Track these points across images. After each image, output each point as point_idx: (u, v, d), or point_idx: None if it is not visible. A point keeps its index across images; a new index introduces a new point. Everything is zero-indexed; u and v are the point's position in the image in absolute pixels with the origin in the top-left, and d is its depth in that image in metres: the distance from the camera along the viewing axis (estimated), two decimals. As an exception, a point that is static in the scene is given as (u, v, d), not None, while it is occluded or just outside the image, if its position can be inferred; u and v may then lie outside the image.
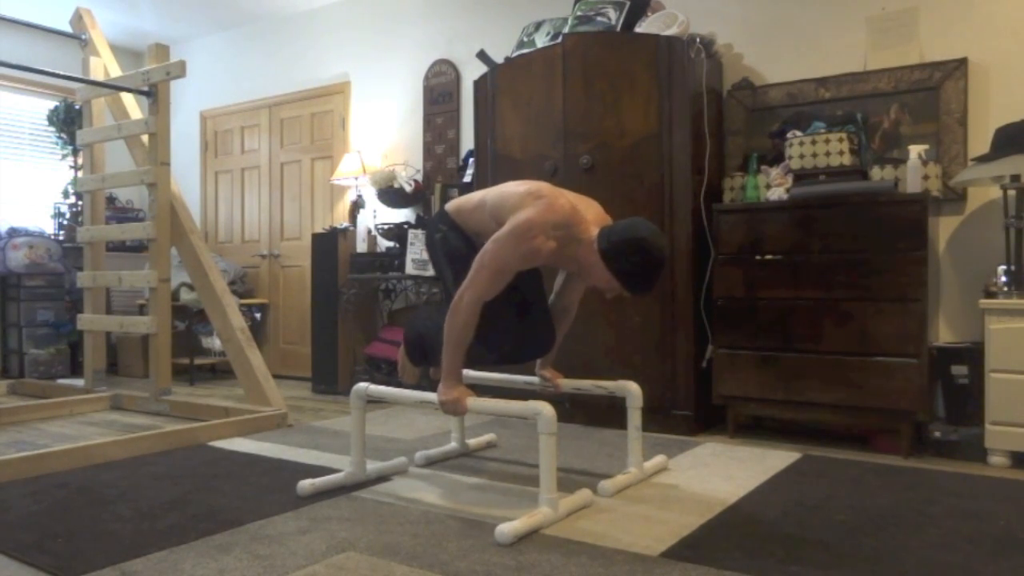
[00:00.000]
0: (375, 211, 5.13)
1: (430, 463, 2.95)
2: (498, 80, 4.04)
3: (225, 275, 5.07)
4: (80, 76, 4.53)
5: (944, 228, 3.43)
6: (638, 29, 3.77)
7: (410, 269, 4.49)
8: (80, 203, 5.69)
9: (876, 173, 3.37)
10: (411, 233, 4.50)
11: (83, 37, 4.69)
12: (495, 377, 3.04)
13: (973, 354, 3.08)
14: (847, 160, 3.25)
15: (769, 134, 3.69)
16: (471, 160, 4.49)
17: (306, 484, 2.52)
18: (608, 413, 3.60)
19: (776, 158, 3.61)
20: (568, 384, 2.81)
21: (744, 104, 3.84)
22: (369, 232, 5.08)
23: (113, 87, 4.42)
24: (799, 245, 3.26)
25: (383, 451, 3.19)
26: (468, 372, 2.99)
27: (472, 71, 4.68)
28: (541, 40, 4.08)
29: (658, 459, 2.85)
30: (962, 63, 3.34)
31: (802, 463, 2.96)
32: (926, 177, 3.24)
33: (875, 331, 3.09)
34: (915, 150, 3.24)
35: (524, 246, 2.25)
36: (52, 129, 5.85)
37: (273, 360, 5.68)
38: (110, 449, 3.07)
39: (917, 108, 3.44)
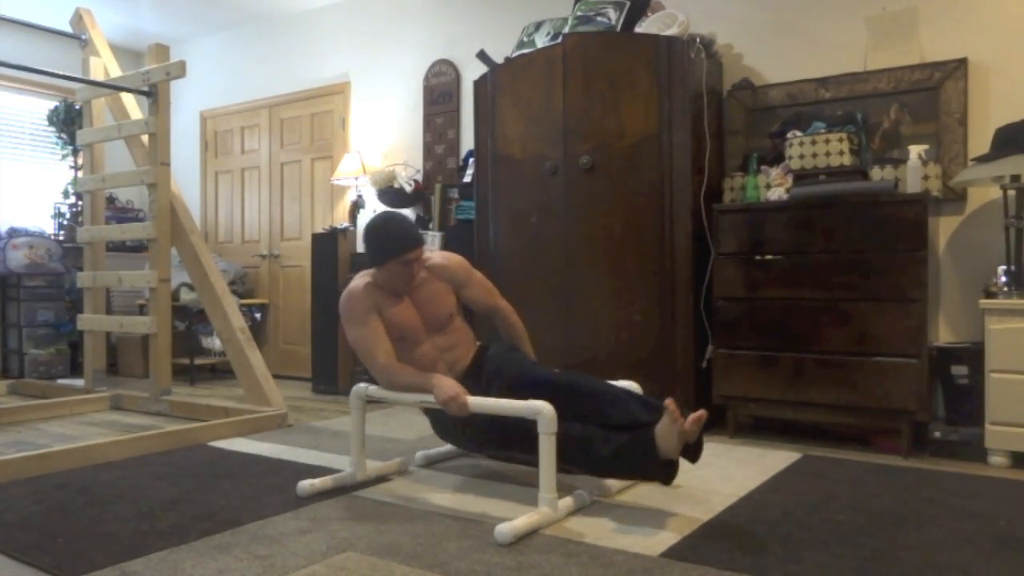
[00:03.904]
0: (375, 211, 5.13)
1: (430, 463, 2.95)
2: (498, 80, 4.04)
3: (225, 275, 5.06)
4: (80, 76, 4.53)
5: (944, 228, 3.43)
6: (638, 29, 3.77)
7: (410, 269, 4.48)
8: (80, 203, 5.68)
9: (876, 173, 3.37)
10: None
11: (83, 37, 4.69)
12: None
13: (973, 354, 3.08)
14: (847, 160, 3.25)
15: (769, 134, 3.69)
16: (471, 160, 4.49)
17: (306, 484, 2.52)
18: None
19: (776, 158, 3.60)
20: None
21: (744, 104, 3.84)
22: (369, 232, 5.07)
23: (113, 87, 4.41)
24: (799, 245, 3.26)
25: (383, 451, 3.19)
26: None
27: (472, 71, 4.68)
28: (541, 40, 4.08)
29: (658, 459, 2.84)
30: (962, 63, 3.34)
31: (802, 463, 2.96)
32: (926, 177, 3.24)
33: (875, 331, 3.09)
34: (915, 150, 3.24)
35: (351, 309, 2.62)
36: (52, 129, 5.85)
37: (273, 360, 5.68)
38: (110, 449, 3.07)
39: (917, 108, 3.44)
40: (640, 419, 2.28)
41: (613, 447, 2.27)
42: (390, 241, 2.54)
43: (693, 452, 2.27)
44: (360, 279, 2.66)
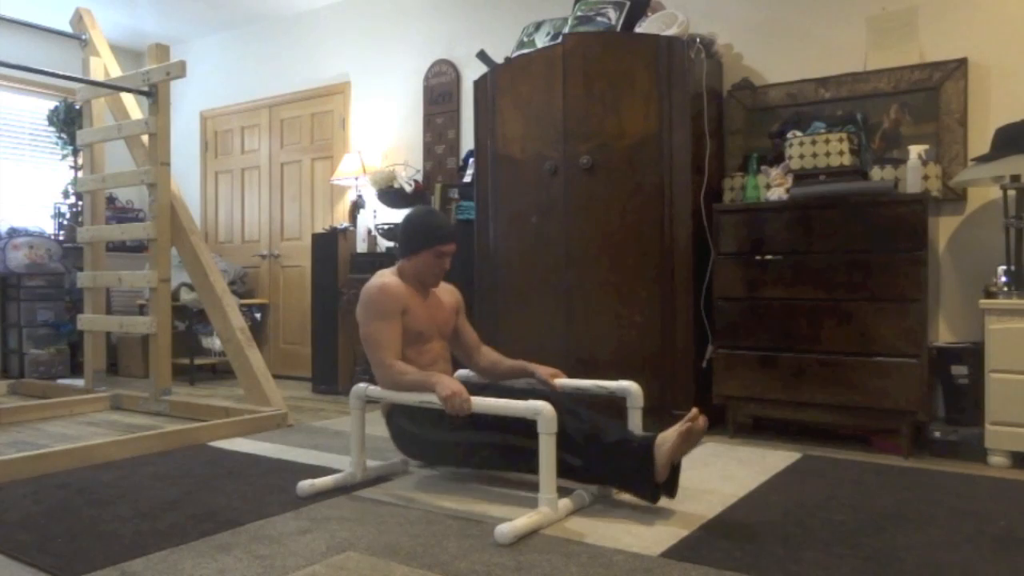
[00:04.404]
0: (375, 211, 5.13)
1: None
2: (498, 80, 4.04)
3: (225, 275, 5.06)
4: (80, 76, 4.53)
5: (944, 228, 3.43)
6: (638, 29, 3.77)
7: (410, 269, 4.48)
8: (80, 203, 5.68)
9: (876, 173, 3.37)
10: (411, 233, 4.50)
11: (83, 37, 4.69)
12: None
13: (973, 354, 3.08)
14: (847, 160, 3.25)
15: (769, 134, 3.69)
16: (471, 160, 4.49)
17: (306, 484, 2.52)
18: (609, 413, 3.58)
19: (776, 158, 3.60)
20: (570, 384, 2.80)
21: (744, 104, 3.84)
22: (369, 232, 5.08)
23: (113, 87, 4.42)
24: (799, 245, 3.26)
25: (383, 451, 3.19)
26: (468, 372, 2.99)
27: (472, 71, 4.68)
28: (541, 40, 4.08)
29: (658, 459, 2.84)
30: (962, 63, 3.34)
31: (802, 463, 2.96)
32: (926, 177, 3.24)
33: (875, 331, 3.09)
34: (915, 150, 3.24)
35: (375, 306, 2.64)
36: (52, 129, 5.85)
37: (273, 360, 5.68)
38: (110, 449, 3.07)
39: (917, 108, 3.44)
40: (635, 436, 2.41)
41: (617, 437, 2.33)
42: (432, 230, 2.67)
43: (671, 486, 2.29)
44: (389, 276, 2.69)
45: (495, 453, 2.52)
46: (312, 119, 5.69)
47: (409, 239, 2.69)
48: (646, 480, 2.26)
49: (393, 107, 5.25)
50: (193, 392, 4.96)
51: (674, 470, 2.28)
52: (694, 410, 2.26)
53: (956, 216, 3.41)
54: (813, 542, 2.07)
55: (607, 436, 2.35)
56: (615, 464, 2.32)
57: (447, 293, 2.88)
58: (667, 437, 2.25)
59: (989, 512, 2.32)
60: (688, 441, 2.23)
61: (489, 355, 2.94)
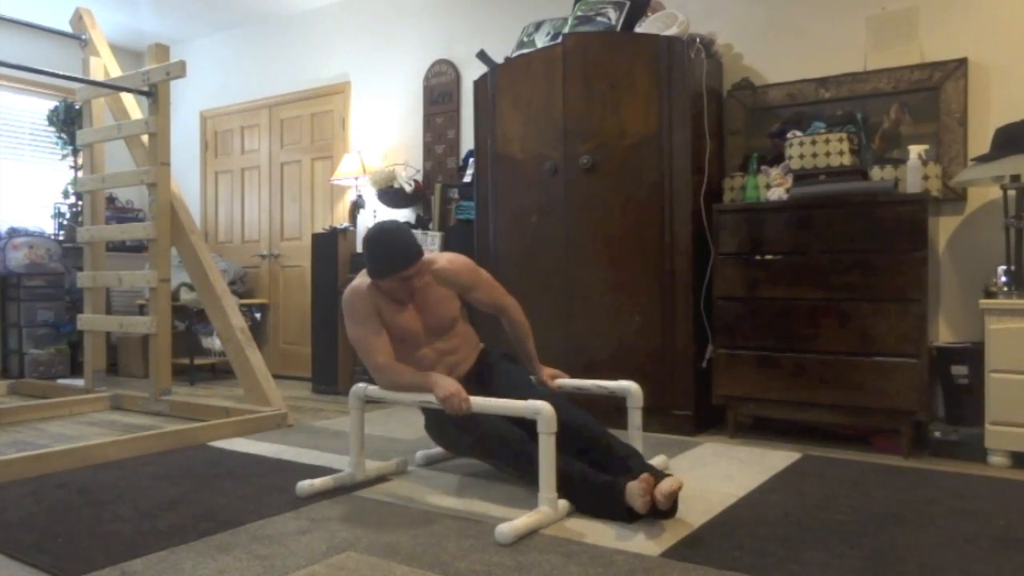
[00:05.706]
0: (375, 211, 5.13)
1: (430, 463, 2.95)
2: (498, 80, 4.04)
3: (225, 275, 5.06)
4: (80, 76, 4.53)
5: (944, 228, 3.43)
6: (638, 29, 3.77)
7: (410, 269, 4.48)
8: (80, 203, 5.68)
9: (876, 173, 3.37)
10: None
11: (83, 37, 4.69)
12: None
13: (973, 354, 3.08)
14: (847, 160, 3.25)
15: (769, 134, 3.69)
16: (471, 160, 4.49)
17: (306, 484, 2.52)
18: (609, 413, 3.59)
19: (776, 158, 3.60)
20: (570, 384, 2.81)
21: (744, 104, 3.84)
22: (369, 232, 5.07)
23: (113, 87, 4.42)
24: (799, 245, 3.26)
25: (383, 451, 3.19)
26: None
27: (472, 71, 4.68)
28: (541, 40, 4.08)
29: (658, 459, 2.85)
30: (962, 63, 3.34)
31: (802, 463, 2.96)
32: (926, 177, 3.24)
33: (875, 331, 3.09)
34: (915, 150, 3.24)
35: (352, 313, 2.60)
36: (52, 129, 5.85)
37: (273, 360, 5.68)
38: (110, 449, 3.07)
39: (917, 108, 3.44)
40: (625, 460, 2.37)
41: (588, 485, 2.30)
42: (385, 260, 2.49)
43: (666, 513, 2.23)
44: (361, 278, 2.64)
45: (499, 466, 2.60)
46: (312, 119, 5.69)
47: (369, 266, 2.55)
48: (618, 513, 2.22)
49: (393, 107, 5.25)
50: (193, 392, 4.96)
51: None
52: (646, 479, 2.18)
53: (956, 216, 3.41)
54: (813, 542, 2.07)
55: (578, 483, 2.30)
56: (587, 506, 2.30)
57: (443, 280, 2.67)
58: (634, 495, 2.18)
59: (989, 512, 2.32)
60: (658, 503, 2.16)
61: (511, 324, 2.81)
